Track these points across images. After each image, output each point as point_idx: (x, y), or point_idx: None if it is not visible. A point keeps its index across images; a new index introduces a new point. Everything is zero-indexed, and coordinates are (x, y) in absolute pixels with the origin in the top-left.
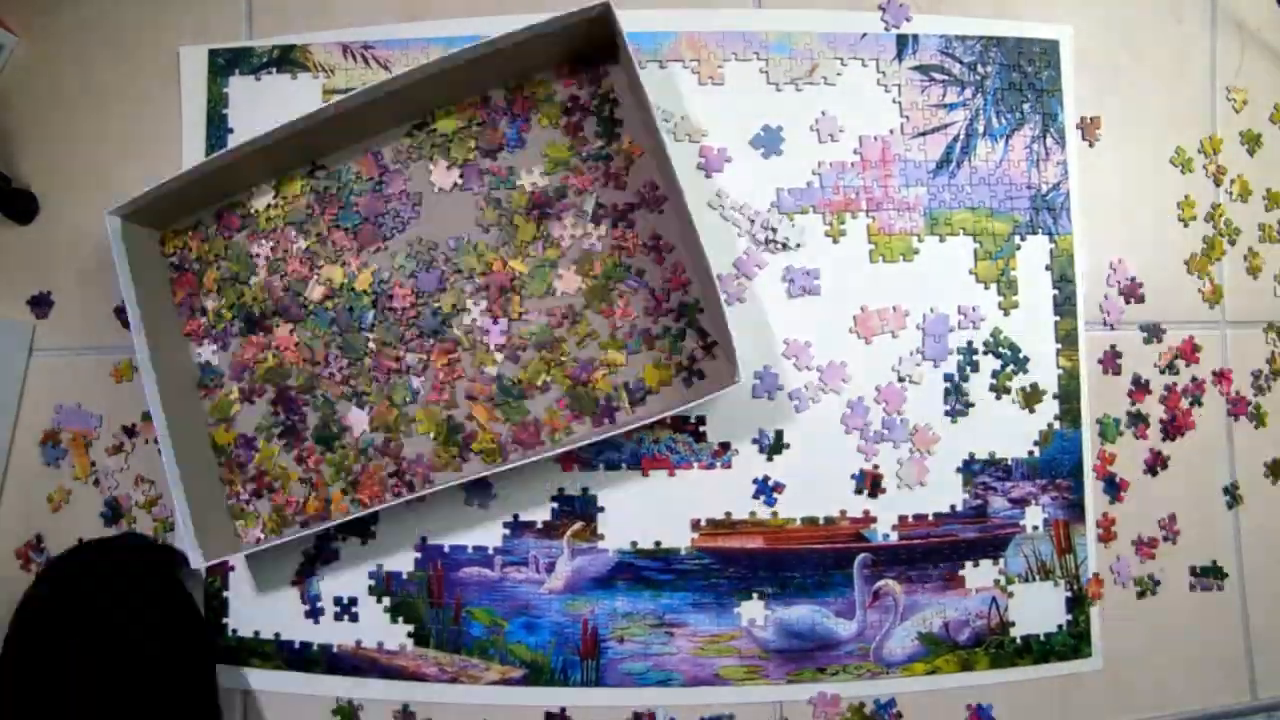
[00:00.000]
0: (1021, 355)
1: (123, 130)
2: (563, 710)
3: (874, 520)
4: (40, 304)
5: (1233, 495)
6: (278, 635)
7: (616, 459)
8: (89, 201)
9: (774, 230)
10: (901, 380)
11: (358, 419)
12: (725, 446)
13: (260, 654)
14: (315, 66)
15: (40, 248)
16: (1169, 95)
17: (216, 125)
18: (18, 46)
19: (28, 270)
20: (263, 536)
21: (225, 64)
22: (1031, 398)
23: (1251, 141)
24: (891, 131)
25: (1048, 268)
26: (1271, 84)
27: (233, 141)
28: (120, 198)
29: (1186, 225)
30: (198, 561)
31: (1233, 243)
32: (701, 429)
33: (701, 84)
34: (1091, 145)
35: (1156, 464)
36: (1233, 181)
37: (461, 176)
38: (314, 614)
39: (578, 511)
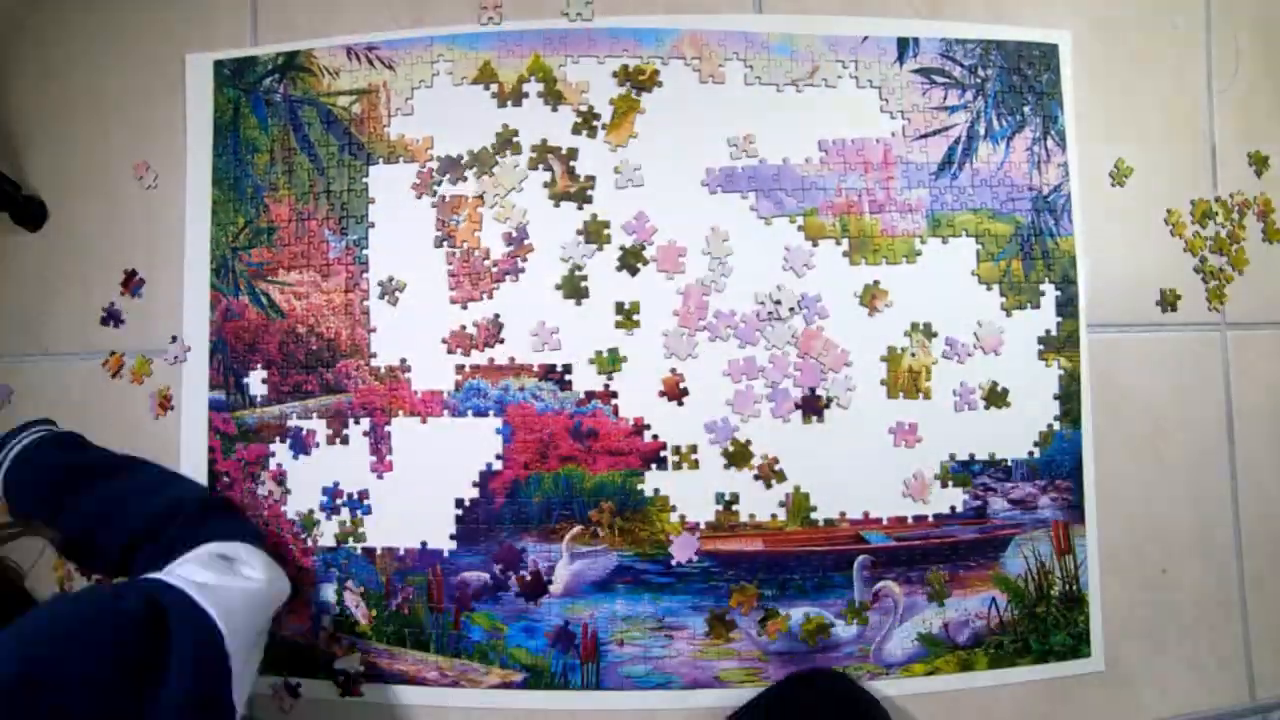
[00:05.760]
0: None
1: (129, 138)
2: None
3: (874, 522)
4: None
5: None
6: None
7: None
8: (95, 208)
9: (778, 304)
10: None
11: None
12: (590, 395)
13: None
14: (320, 71)
15: (48, 253)
16: (1166, 98)
17: (224, 134)
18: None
19: (37, 275)
20: None
21: (230, 74)
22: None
23: (1259, 163)
24: (893, 134)
25: (1049, 269)
26: (1268, 87)
27: (239, 149)
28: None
29: (1187, 228)
30: None
31: (1234, 244)
32: (567, 377)
33: (703, 82)
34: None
35: None
36: (1233, 195)
37: None
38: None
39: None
